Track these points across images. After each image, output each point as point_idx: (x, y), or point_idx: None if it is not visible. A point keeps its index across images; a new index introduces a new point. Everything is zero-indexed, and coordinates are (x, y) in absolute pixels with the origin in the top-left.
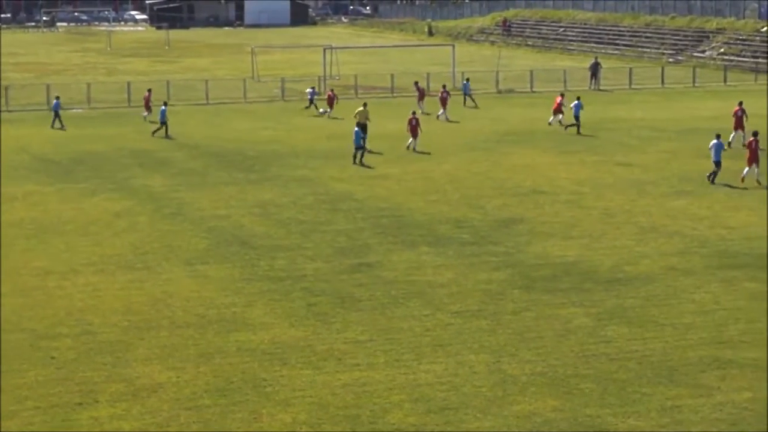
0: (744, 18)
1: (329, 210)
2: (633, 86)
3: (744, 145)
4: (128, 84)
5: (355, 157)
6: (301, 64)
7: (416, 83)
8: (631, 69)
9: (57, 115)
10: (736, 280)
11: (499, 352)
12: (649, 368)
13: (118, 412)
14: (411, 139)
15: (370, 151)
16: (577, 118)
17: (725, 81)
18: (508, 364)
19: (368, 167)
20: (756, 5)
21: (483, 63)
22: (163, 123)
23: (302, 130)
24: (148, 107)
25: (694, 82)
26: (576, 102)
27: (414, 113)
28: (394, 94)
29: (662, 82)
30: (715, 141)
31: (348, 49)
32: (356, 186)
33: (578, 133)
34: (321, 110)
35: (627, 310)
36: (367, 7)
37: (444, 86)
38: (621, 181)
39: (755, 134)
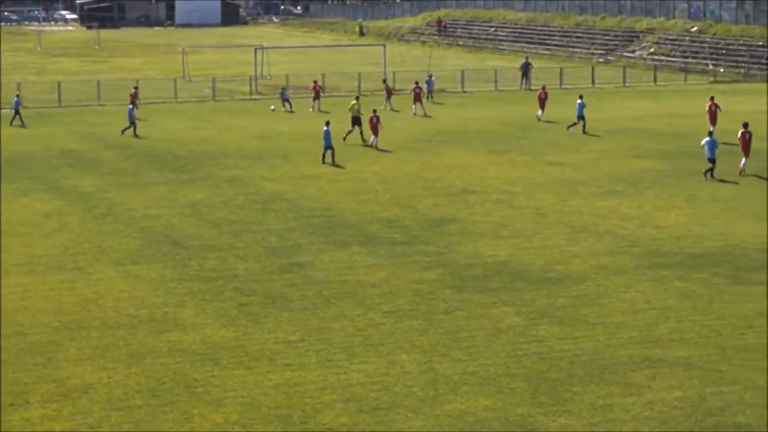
0: (674, 18)
1: (260, 210)
2: (564, 86)
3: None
4: (59, 84)
5: (324, 156)
6: (233, 64)
7: (384, 81)
8: (561, 69)
9: (17, 112)
10: (666, 279)
11: (430, 352)
12: (580, 367)
13: (49, 412)
14: (373, 137)
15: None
16: (581, 117)
17: (655, 81)
18: (439, 363)
19: (339, 167)
20: (685, 5)
21: (414, 63)
22: (132, 122)
23: (233, 130)
24: (134, 103)
25: (624, 82)
26: (579, 101)
27: (375, 111)
28: (326, 94)
29: (593, 82)
30: (707, 138)
31: (279, 49)
32: (287, 186)
33: (584, 132)
34: (272, 107)
35: (558, 310)
36: (298, 7)
37: (416, 83)
38: (552, 180)
39: (746, 125)
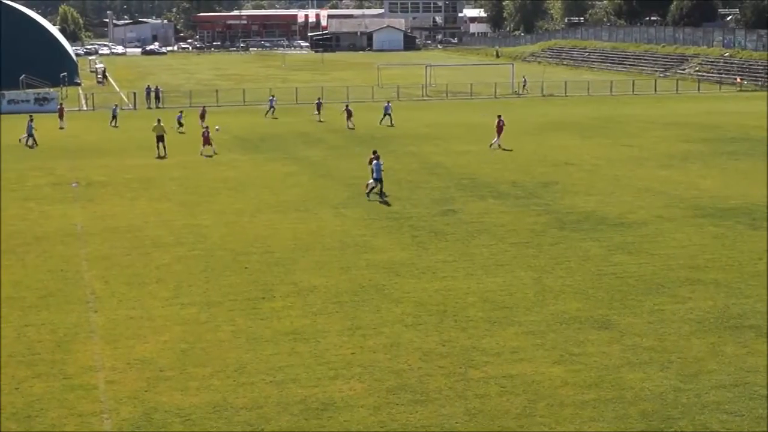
0: (713, 46)
1: (427, 173)
2: (635, 93)
3: None
4: (296, 89)
5: None
6: (410, 76)
7: (346, 106)
8: (633, 81)
9: (272, 107)
10: (703, 225)
11: (540, 270)
12: (643, 283)
13: (287, 304)
14: (496, 138)
15: None
16: None
17: (699, 90)
18: (546, 278)
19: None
20: (720, 38)
21: (532, 77)
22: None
23: (410, 120)
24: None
25: (677, 90)
26: None
27: (500, 116)
28: (472, 97)
29: (655, 90)
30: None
31: (441, 66)
32: (446, 158)
33: None
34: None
35: (628, 244)
36: (455, 38)
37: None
38: (625, 157)
39: None
